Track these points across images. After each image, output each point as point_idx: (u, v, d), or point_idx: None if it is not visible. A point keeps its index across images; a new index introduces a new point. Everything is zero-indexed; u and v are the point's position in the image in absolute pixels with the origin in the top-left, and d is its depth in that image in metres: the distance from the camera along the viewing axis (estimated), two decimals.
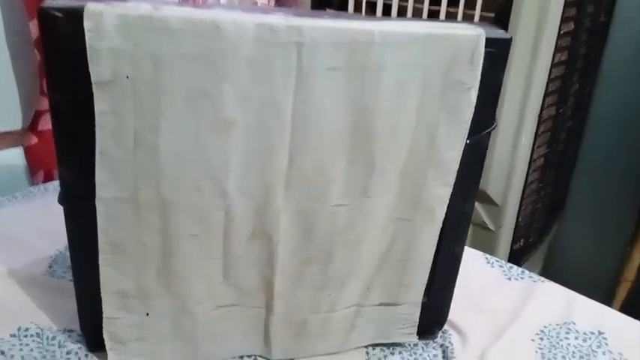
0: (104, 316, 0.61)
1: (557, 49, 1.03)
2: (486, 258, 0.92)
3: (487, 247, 1.12)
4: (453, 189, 0.61)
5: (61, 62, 0.51)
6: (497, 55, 0.57)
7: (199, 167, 0.55)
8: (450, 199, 0.62)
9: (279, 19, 0.52)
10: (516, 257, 1.23)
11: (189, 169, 0.55)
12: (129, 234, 0.57)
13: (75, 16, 0.48)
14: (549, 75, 1.04)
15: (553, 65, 1.04)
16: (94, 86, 0.50)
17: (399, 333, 0.70)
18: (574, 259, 1.55)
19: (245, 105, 0.53)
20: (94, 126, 0.52)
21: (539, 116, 1.06)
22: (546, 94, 1.06)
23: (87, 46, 0.49)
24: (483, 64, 0.56)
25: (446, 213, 0.63)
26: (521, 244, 1.26)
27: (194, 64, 0.51)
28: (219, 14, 0.50)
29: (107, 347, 0.63)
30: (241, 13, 0.52)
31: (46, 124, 1.08)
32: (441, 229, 0.64)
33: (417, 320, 0.70)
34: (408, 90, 0.56)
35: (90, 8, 0.48)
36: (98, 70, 0.50)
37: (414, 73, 0.55)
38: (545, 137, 1.15)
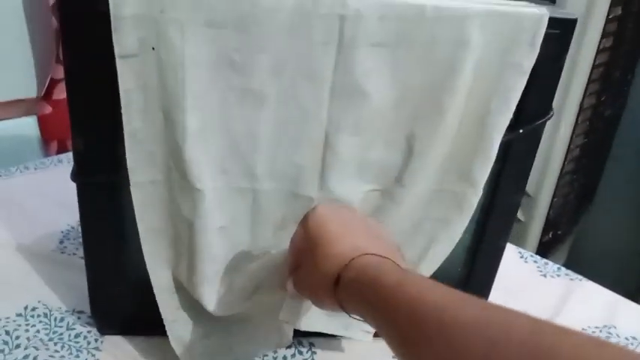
0: (165, 320, 0.58)
1: (604, 35, 0.97)
2: (520, 252, 0.87)
3: (516, 238, 1.07)
4: (505, 180, 0.57)
5: (78, 27, 0.46)
6: (561, 37, 0.51)
7: (225, 146, 0.51)
8: (500, 191, 0.57)
9: None
10: (544, 249, 1.18)
11: (214, 148, 0.50)
12: (167, 221, 0.54)
13: None
14: (594, 62, 0.98)
15: (598, 51, 0.98)
16: (118, 61, 0.46)
17: None
18: (602, 250, 1.49)
19: (279, 78, 0.49)
20: (111, 100, 0.48)
21: (581, 105, 1.01)
22: (589, 82, 1.00)
23: (111, 14, 0.44)
24: (547, 46, 0.51)
25: (493, 207, 0.58)
26: (550, 236, 1.21)
27: (224, 32, 0.46)
28: None
29: (177, 353, 0.59)
30: None
31: (61, 93, 1.05)
32: (487, 220, 0.59)
33: None
34: (461, 70, 0.50)
35: None
36: (123, 41, 0.45)
37: (469, 52, 0.50)
38: (583, 127, 1.10)
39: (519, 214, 1.09)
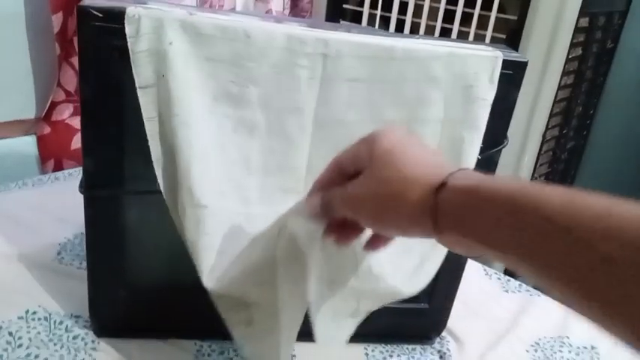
0: (228, 322, 0.57)
1: (565, 73, 1.06)
2: (485, 269, 0.94)
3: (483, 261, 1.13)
4: None
5: (94, 58, 0.52)
6: (513, 76, 0.59)
7: (221, 170, 0.56)
8: None
9: (306, 30, 0.54)
10: (511, 272, 1.25)
11: (213, 170, 0.55)
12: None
13: (114, 17, 0.50)
14: (555, 97, 1.06)
15: (559, 88, 1.06)
16: (139, 91, 0.52)
17: None
18: None
19: (268, 109, 0.55)
20: (120, 120, 0.54)
21: (543, 136, 1.09)
22: (551, 115, 1.09)
23: (129, 51, 0.50)
24: (501, 84, 0.58)
25: None
26: None
27: (222, 67, 0.53)
28: (250, 23, 0.53)
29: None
30: (269, 22, 0.54)
31: (59, 114, 1.10)
32: None
33: None
34: (430, 104, 0.58)
35: (130, 14, 0.50)
36: (141, 72, 0.51)
37: (436, 88, 0.57)
38: (547, 157, 1.18)
39: None
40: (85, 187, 0.57)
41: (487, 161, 0.62)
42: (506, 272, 1.17)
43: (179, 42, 0.51)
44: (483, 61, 0.58)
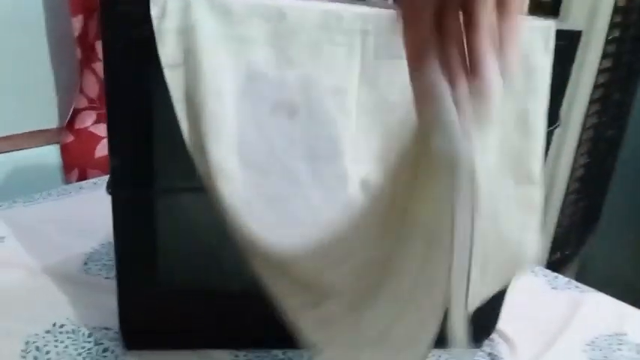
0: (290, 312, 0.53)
1: (604, 56, 1.01)
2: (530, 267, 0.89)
3: None
4: None
5: (119, 48, 0.50)
6: (567, 48, 0.55)
7: (261, 147, 0.53)
8: None
9: (343, 5, 0.51)
10: (553, 270, 1.20)
11: (255, 155, 0.52)
12: None
13: (138, 1, 0.47)
14: (595, 82, 1.01)
15: (599, 72, 1.01)
16: (166, 72, 0.49)
17: None
18: (608, 273, 1.50)
19: (307, 91, 0.52)
20: (149, 113, 0.51)
21: (583, 124, 1.04)
22: (590, 102, 1.04)
23: (154, 29, 0.48)
24: (554, 56, 0.54)
25: None
26: (558, 255, 1.22)
27: (255, 47, 0.50)
28: (282, 0, 0.50)
29: None
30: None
31: (82, 122, 1.08)
32: None
33: None
34: None
35: None
36: (168, 52, 0.48)
37: None
38: (586, 146, 1.13)
39: None
40: (113, 187, 0.54)
41: None
42: (550, 266, 1.12)
43: (207, 21, 0.48)
44: (536, 31, 0.54)
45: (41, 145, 1.08)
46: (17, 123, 1.04)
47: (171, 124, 0.51)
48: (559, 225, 1.13)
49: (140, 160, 0.54)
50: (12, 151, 1.04)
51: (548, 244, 1.12)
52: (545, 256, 1.13)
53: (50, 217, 0.89)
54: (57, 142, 1.09)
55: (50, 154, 1.09)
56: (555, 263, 1.20)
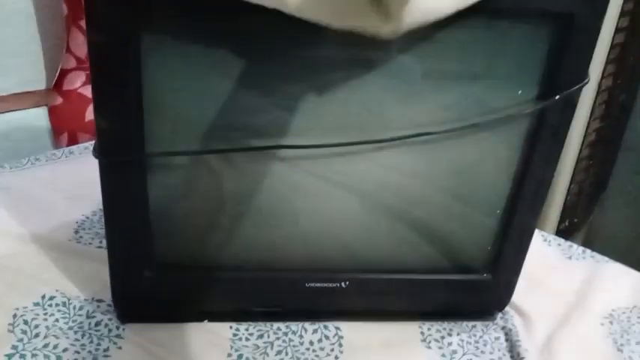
0: None
1: (622, 13, 0.95)
2: (543, 235, 0.85)
3: None
4: (539, 151, 0.55)
5: None
6: None
7: None
8: (533, 162, 0.55)
9: None
10: (562, 237, 1.16)
11: None
12: None
13: None
14: (612, 41, 0.96)
15: (616, 30, 0.96)
16: None
17: None
18: (614, 242, 1.48)
19: None
20: (137, 68, 0.46)
21: (599, 85, 0.99)
22: (607, 62, 0.98)
23: None
24: (578, 7, 0.49)
25: (525, 178, 0.56)
26: (567, 224, 1.19)
27: None
28: None
29: None
30: None
31: (71, 84, 1.03)
32: (517, 196, 0.57)
33: None
34: None
35: None
36: None
37: None
38: (600, 110, 1.08)
39: None
40: (100, 151, 0.50)
41: (565, 102, 0.53)
42: (559, 234, 1.08)
43: None
44: None
45: (28, 108, 1.02)
46: (2, 84, 0.98)
47: (164, 79, 0.46)
48: (569, 192, 1.09)
49: (129, 122, 0.49)
50: None
51: (558, 212, 1.09)
52: (555, 224, 1.10)
53: (39, 183, 0.85)
54: (45, 105, 1.04)
55: (38, 117, 1.03)
56: (564, 231, 1.16)
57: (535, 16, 0.50)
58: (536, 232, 0.85)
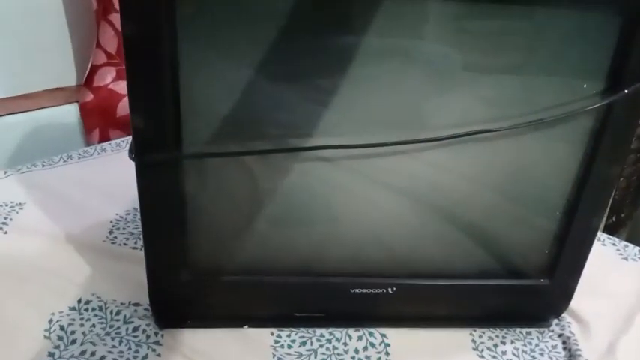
0: None
1: None
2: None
3: None
4: (604, 149, 0.51)
5: None
6: None
7: None
8: (597, 160, 0.52)
9: None
10: (608, 234, 1.11)
11: None
12: None
13: None
14: None
15: None
16: None
17: None
18: None
19: None
20: (175, 67, 0.44)
21: None
22: None
23: None
24: None
25: (588, 178, 0.52)
26: (614, 219, 1.14)
27: None
28: None
29: None
30: None
31: (102, 79, 1.01)
32: (580, 196, 0.54)
33: None
34: None
35: None
36: None
37: None
38: None
39: None
40: (136, 152, 0.47)
41: (635, 97, 0.49)
42: (606, 230, 1.03)
43: None
44: None
45: (59, 105, 1.01)
46: (33, 81, 0.97)
47: (202, 78, 0.43)
48: (617, 187, 1.04)
49: (166, 121, 0.47)
50: (29, 111, 0.98)
51: (606, 208, 1.03)
52: (603, 219, 1.05)
53: (72, 181, 0.83)
54: (76, 101, 1.02)
55: (69, 114, 1.02)
56: (610, 227, 1.11)
57: (606, 3, 0.46)
58: None
